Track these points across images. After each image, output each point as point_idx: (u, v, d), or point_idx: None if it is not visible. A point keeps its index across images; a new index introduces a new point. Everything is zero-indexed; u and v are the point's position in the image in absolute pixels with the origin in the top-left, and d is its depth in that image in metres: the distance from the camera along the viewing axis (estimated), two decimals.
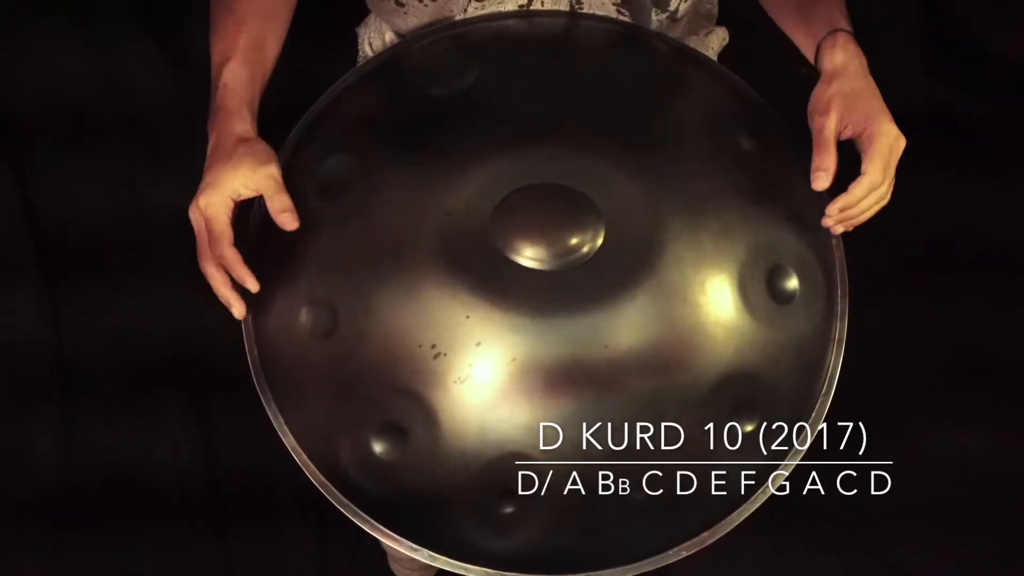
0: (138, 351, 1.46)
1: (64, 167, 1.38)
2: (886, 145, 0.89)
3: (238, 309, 0.90)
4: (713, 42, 1.13)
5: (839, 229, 0.93)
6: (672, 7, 1.01)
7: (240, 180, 0.89)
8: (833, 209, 0.91)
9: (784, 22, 1.02)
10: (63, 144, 1.37)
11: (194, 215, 0.89)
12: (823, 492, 1.53)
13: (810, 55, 0.97)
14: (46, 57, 1.34)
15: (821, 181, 0.90)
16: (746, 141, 0.95)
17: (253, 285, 0.90)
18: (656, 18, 1.02)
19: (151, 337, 1.47)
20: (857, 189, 0.90)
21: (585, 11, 1.01)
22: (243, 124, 0.92)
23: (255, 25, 0.97)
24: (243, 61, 0.95)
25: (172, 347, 1.50)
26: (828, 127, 0.91)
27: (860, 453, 1.50)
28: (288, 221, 0.89)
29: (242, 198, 0.90)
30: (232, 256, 0.89)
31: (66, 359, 1.41)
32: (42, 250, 1.39)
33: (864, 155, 0.90)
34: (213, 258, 0.89)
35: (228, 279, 0.90)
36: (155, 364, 1.49)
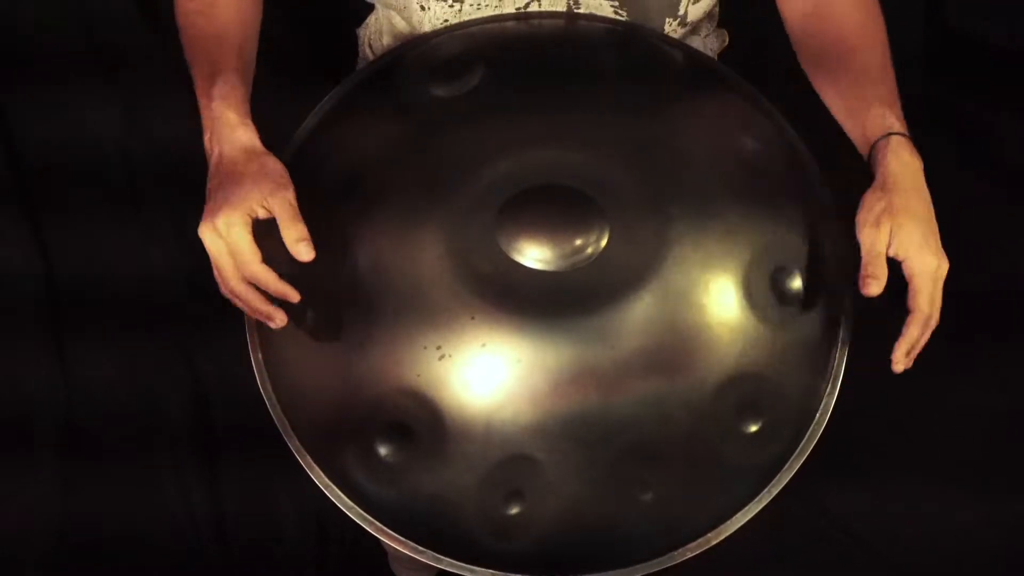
0: (138, 365, 1.47)
1: (44, 106, 1.37)
2: (930, 278, 0.87)
3: (280, 318, 0.87)
4: (713, 43, 1.13)
5: (909, 364, 0.90)
6: (680, 11, 1.01)
7: (256, 200, 0.85)
8: (900, 355, 0.88)
9: (836, 109, 0.99)
10: (41, 83, 1.37)
11: (210, 238, 0.85)
12: (824, 490, 1.55)
13: (861, 150, 0.94)
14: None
15: (873, 288, 0.86)
16: (749, 141, 0.95)
17: (295, 296, 0.86)
18: (670, 27, 1.02)
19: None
20: (913, 328, 0.88)
21: (583, 12, 1.01)
22: (250, 135, 0.89)
23: (236, 34, 0.95)
24: (234, 71, 0.92)
25: (173, 356, 1.51)
26: (879, 244, 0.87)
27: (862, 455, 1.51)
28: (304, 251, 0.85)
29: (259, 217, 0.86)
30: (265, 275, 0.85)
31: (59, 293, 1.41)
32: (26, 188, 1.39)
33: (911, 285, 0.88)
34: (242, 279, 0.86)
35: (262, 295, 0.86)
36: (157, 370, 1.49)
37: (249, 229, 0.85)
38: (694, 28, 1.09)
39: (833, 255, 0.92)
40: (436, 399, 0.85)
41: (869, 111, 0.94)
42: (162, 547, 1.47)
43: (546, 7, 1.01)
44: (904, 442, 1.61)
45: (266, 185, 0.86)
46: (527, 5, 1.01)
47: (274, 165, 0.88)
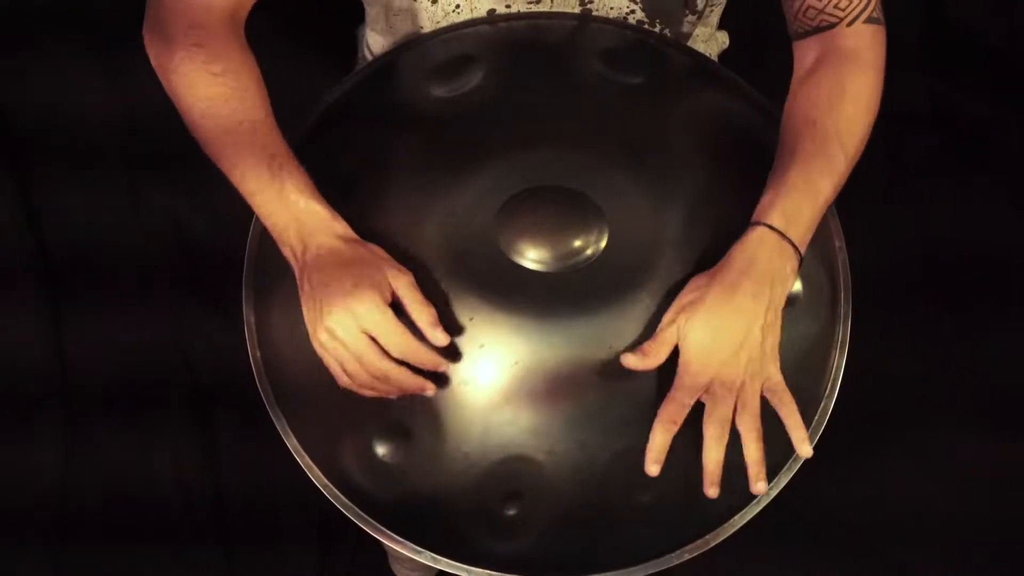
0: (137, 361, 1.47)
1: (32, 73, 1.37)
2: (687, 391, 0.82)
3: (432, 386, 0.84)
4: (712, 46, 1.13)
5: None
6: (699, 7, 1.00)
7: (382, 280, 0.81)
8: (713, 490, 0.82)
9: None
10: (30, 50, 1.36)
11: (344, 325, 0.80)
12: (824, 493, 1.55)
13: None
14: None
15: (633, 361, 0.82)
16: (749, 143, 0.95)
17: (443, 363, 0.83)
18: (687, 20, 1.02)
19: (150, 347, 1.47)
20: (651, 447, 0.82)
21: (597, 7, 1.00)
22: (344, 226, 0.84)
23: (269, 110, 0.88)
24: (292, 155, 0.86)
25: (173, 356, 1.51)
26: (668, 333, 0.82)
27: (861, 455, 1.52)
28: (441, 336, 0.82)
29: (389, 300, 0.81)
30: (416, 346, 0.82)
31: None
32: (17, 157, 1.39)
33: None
34: (388, 358, 0.82)
35: (410, 370, 0.83)
36: (157, 372, 1.49)
37: (387, 306, 0.81)
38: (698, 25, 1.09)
39: (832, 256, 0.92)
40: (434, 400, 0.85)
41: (767, 192, 0.87)
42: (162, 529, 1.48)
43: (558, 6, 1.00)
44: (903, 441, 1.61)
45: (387, 266, 0.82)
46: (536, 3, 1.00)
47: (381, 251, 0.84)
